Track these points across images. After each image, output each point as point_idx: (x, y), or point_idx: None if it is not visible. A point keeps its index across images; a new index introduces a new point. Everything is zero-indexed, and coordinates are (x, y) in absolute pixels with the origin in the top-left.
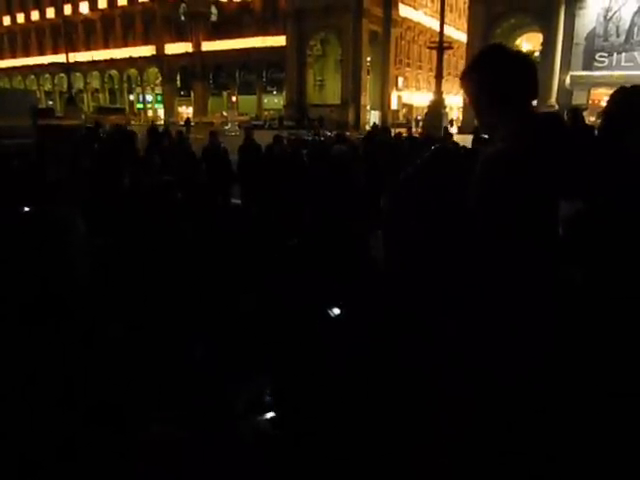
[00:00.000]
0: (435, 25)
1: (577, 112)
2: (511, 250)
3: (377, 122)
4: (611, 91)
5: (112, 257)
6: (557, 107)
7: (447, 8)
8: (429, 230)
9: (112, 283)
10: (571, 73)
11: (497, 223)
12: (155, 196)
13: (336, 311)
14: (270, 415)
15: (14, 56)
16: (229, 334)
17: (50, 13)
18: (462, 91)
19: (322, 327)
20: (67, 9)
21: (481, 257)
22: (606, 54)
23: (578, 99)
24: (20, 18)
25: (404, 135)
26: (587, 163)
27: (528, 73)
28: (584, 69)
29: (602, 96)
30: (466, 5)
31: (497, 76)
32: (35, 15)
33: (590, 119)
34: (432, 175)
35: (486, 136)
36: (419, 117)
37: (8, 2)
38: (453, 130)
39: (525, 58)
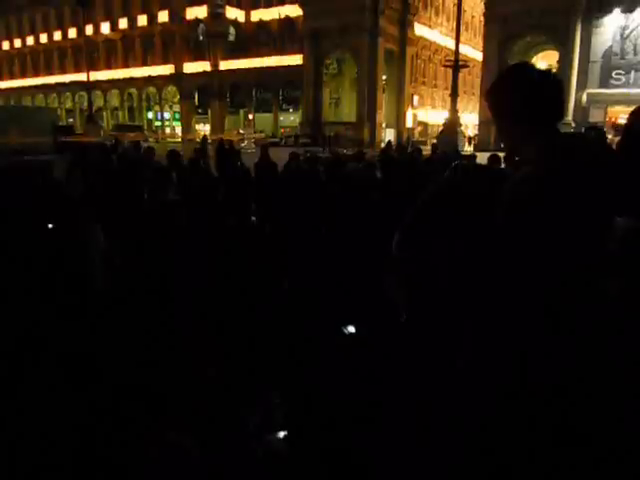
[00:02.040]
0: (451, 44)
1: (601, 131)
2: (534, 275)
3: (392, 140)
4: (628, 109)
5: (127, 272)
6: (574, 125)
7: (462, 27)
8: (455, 249)
9: (127, 299)
10: (588, 91)
11: (523, 248)
12: (160, 215)
13: (351, 329)
14: (282, 434)
15: (37, 75)
16: (243, 351)
17: (72, 33)
18: (477, 109)
19: (336, 345)
20: (89, 29)
21: (504, 279)
22: (623, 72)
23: (595, 117)
24: (43, 38)
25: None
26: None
27: (554, 93)
28: (601, 87)
29: (619, 114)
30: (481, 24)
31: (522, 95)
32: (57, 35)
33: (607, 137)
34: (455, 192)
35: (502, 154)
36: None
37: (32, 23)
38: (468, 148)
39: (552, 77)
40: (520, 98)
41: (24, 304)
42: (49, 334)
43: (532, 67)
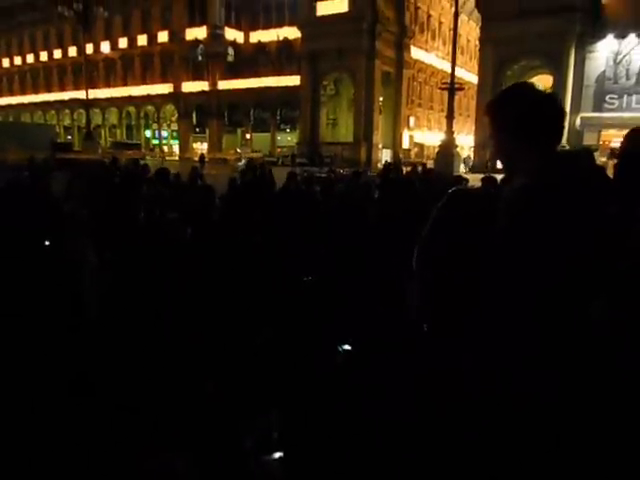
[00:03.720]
0: (447, 67)
1: (589, 152)
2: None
3: (389, 160)
4: (622, 132)
5: (122, 290)
6: (568, 148)
7: (458, 51)
8: (462, 274)
9: (121, 316)
10: (581, 115)
11: (521, 260)
12: (159, 233)
13: (346, 347)
14: (278, 454)
15: (36, 92)
16: (241, 370)
17: (72, 52)
18: (473, 131)
19: (332, 365)
20: (89, 48)
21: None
22: (616, 96)
23: (589, 140)
24: (43, 56)
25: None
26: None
27: (555, 113)
28: (594, 111)
29: (612, 137)
30: (477, 48)
31: (524, 111)
32: (58, 53)
33: (601, 159)
34: (455, 218)
35: (496, 175)
36: (426, 163)
37: (32, 41)
38: (462, 169)
39: (554, 98)
40: (522, 114)
41: (18, 320)
42: (43, 350)
43: (535, 87)
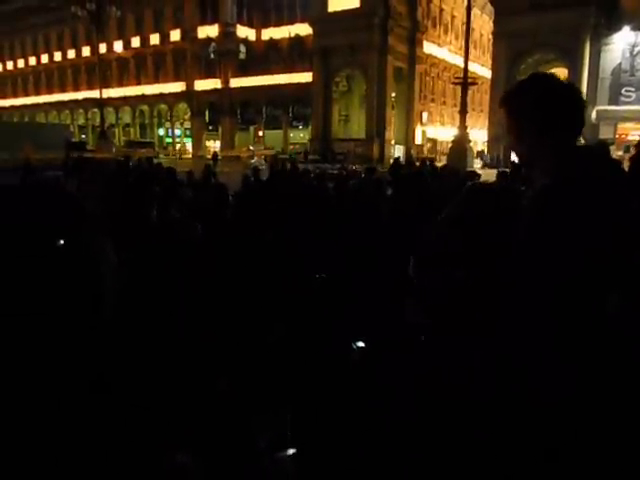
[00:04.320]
0: (459, 61)
1: (605, 147)
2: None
3: (401, 157)
4: (639, 125)
5: (136, 288)
6: (583, 142)
7: (471, 45)
8: (474, 274)
9: (135, 314)
10: (597, 108)
11: (541, 256)
12: (172, 231)
13: (360, 344)
14: (292, 451)
15: (50, 92)
16: (254, 367)
17: (86, 52)
18: (487, 126)
19: (346, 363)
20: (102, 48)
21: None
22: (633, 89)
23: (605, 134)
24: (57, 56)
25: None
26: None
27: (575, 103)
28: (610, 104)
29: (629, 130)
30: (490, 42)
31: (541, 100)
32: (71, 53)
33: (617, 153)
34: (472, 214)
35: (507, 170)
36: (434, 158)
37: (47, 41)
38: (478, 164)
39: (574, 88)
40: (538, 100)
41: (30, 321)
42: (55, 350)
43: (554, 76)
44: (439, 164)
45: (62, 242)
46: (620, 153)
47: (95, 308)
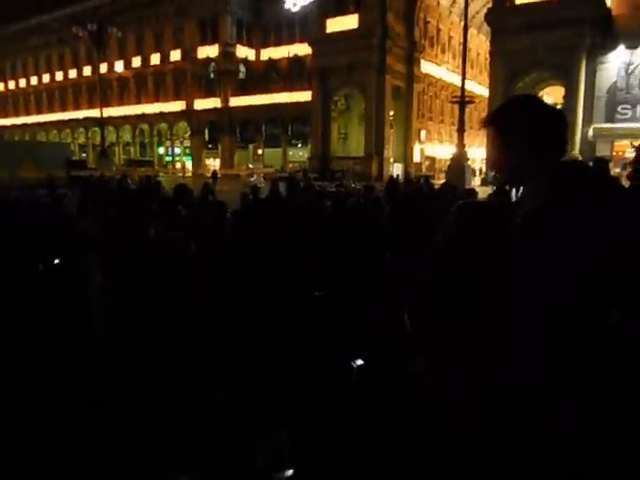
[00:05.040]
0: (457, 80)
1: (604, 162)
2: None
3: (400, 174)
4: (636, 142)
5: (129, 308)
6: (581, 159)
7: (468, 64)
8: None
9: (128, 334)
10: (594, 125)
11: (536, 281)
12: (164, 251)
13: (359, 362)
14: (289, 472)
15: (52, 111)
16: (252, 386)
17: (87, 71)
18: (484, 144)
19: (344, 381)
20: (103, 67)
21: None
22: (629, 106)
23: (601, 151)
24: (59, 76)
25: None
26: None
27: (563, 125)
28: (606, 121)
29: (625, 148)
30: (487, 61)
31: (531, 120)
32: (73, 73)
33: (615, 170)
34: (462, 233)
35: (506, 187)
36: (429, 175)
37: (48, 61)
38: (476, 182)
39: (560, 111)
40: (532, 123)
41: (26, 337)
42: (51, 364)
43: (539, 99)
44: (438, 182)
45: (57, 261)
46: (618, 170)
47: (83, 323)
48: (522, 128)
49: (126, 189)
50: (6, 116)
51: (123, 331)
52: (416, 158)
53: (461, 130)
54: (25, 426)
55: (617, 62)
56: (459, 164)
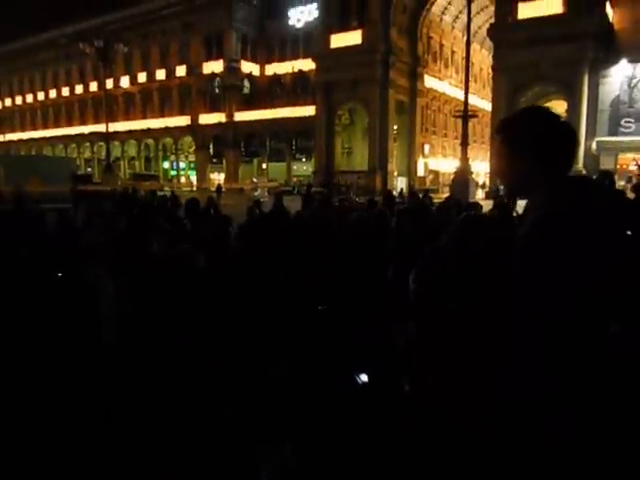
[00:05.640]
0: (460, 95)
1: (609, 175)
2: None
3: (404, 188)
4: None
5: (137, 321)
6: (585, 172)
7: (471, 78)
8: (467, 304)
9: (136, 348)
10: (597, 139)
11: (539, 294)
12: (173, 263)
13: (364, 377)
14: None
15: (58, 126)
16: (257, 401)
17: (93, 87)
18: (488, 157)
19: (349, 397)
20: (109, 83)
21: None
22: (632, 120)
23: (606, 164)
24: (65, 91)
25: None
26: None
27: (571, 138)
28: (610, 135)
29: (629, 161)
30: (490, 75)
31: (543, 135)
32: (79, 89)
33: (620, 183)
34: (465, 244)
35: (506, 200)
36: (429, 189)
37: (55, 77)
38: (480, 195)
39: (568, 123)
40: (541, 135)
41: (33, 352)
42: (60, 374)
43: (550, 110)
44: (442, 195)
45: (60, 274)
46: (622, 183)
47: (95, 332)
48: (529, 140)
49: (136, 201)
50: (13, 131)
51: (132, 341)
52: (420, 172)
53: (464, 144)
54: (37, 434)
55: (620, 76)
56: (463, 177)
